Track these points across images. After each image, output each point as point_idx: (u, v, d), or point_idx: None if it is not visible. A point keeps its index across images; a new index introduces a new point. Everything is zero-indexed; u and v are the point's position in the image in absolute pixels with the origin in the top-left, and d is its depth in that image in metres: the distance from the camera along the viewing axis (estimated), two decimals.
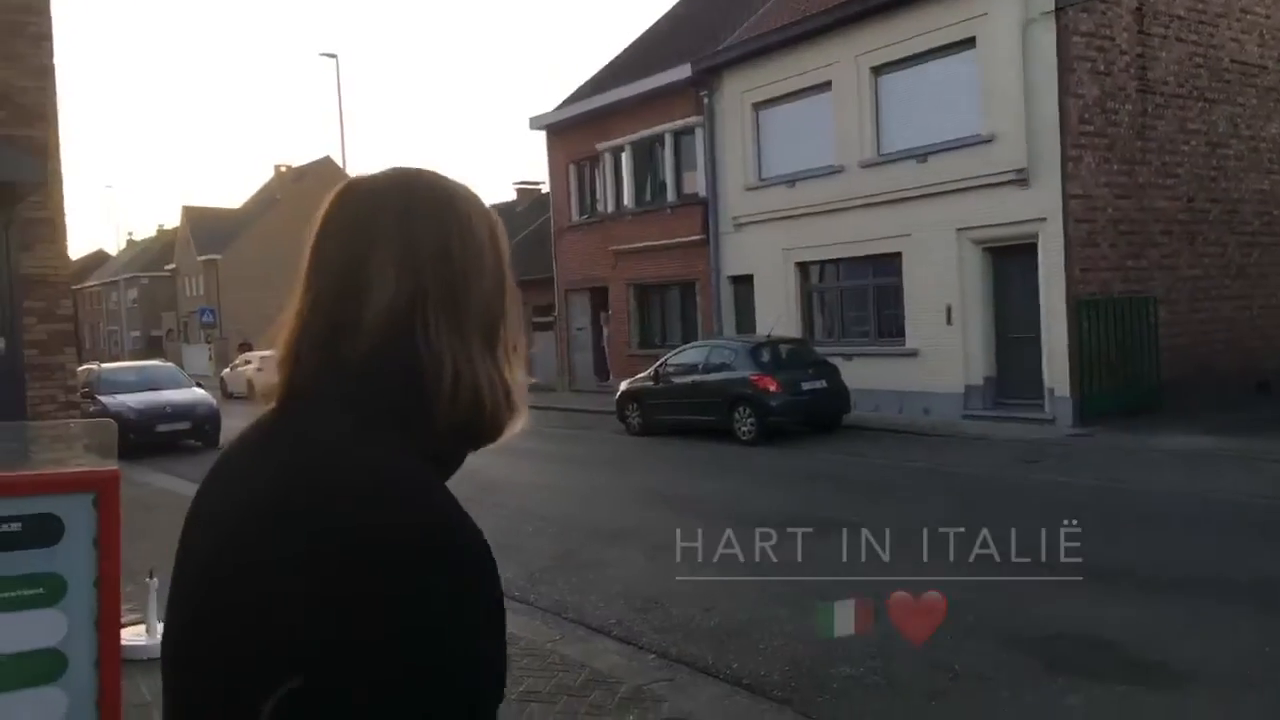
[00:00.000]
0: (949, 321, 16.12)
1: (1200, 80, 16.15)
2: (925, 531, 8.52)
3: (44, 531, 2.71)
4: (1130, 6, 15.23)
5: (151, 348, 57.59)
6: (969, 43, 15.59)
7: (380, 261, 0.99)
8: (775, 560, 7.82)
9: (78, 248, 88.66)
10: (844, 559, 7.77)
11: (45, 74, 6.95)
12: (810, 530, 8.77)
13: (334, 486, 0.90)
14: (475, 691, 0.88)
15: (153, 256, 69.10)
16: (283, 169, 59.70)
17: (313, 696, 0.84)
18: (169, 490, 11.10)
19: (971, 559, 7.49)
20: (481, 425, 1.02)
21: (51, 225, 6.36)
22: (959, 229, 15.85)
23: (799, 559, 7.83)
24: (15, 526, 2.70)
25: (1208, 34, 16.22)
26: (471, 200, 1.07)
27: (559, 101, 26.11)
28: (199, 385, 19.19)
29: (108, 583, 2.70)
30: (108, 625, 2.62)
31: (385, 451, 0.93)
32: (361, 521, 0.87)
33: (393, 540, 0.87)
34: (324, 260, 1.01)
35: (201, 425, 16.72)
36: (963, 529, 8.51)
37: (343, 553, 0.85)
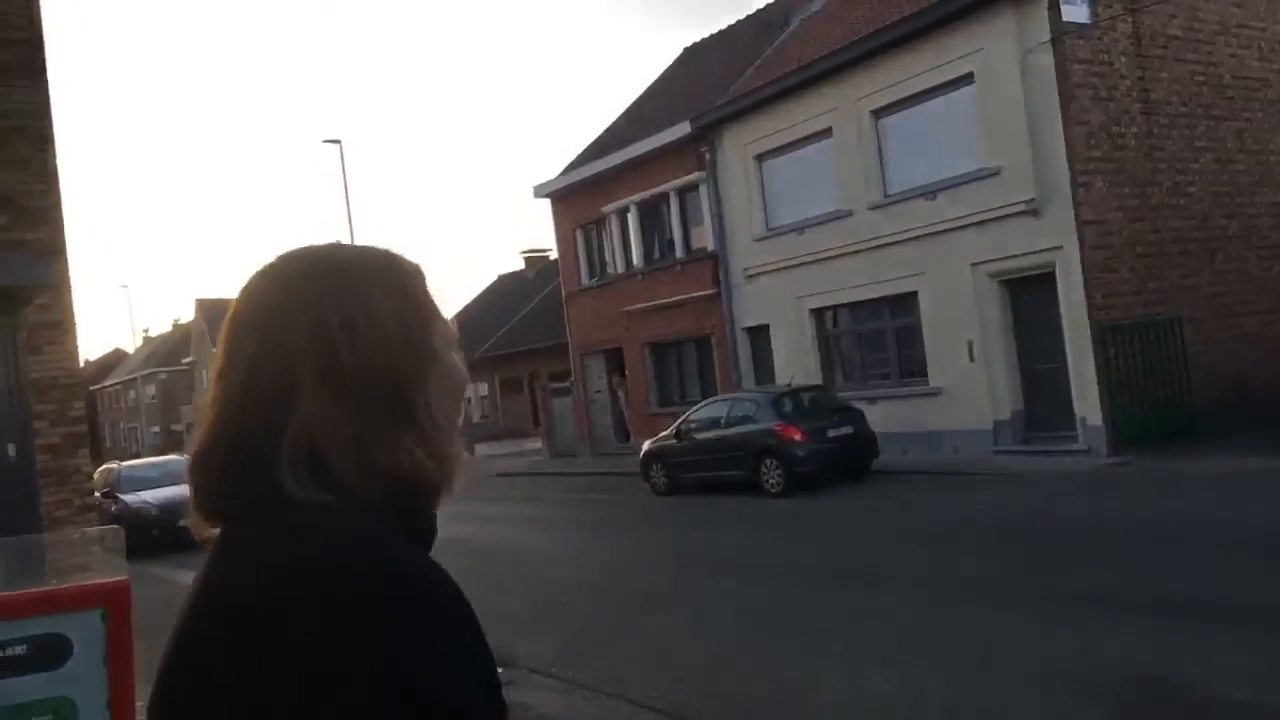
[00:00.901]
0: (971, 358, 15.89)
1: (1204, 98, 16.08)
2: (972, 577, 8.24)
3: (51, 653, 2.53)
4: (1126, 31, 15.22)
5: (171, 443, 57.73)
6: (968, 78, 15.59)
7: (258, 356, 0.98)
8: (819, 619, 7.54)
9: (95, 348, 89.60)
10: (891, 612, 7.49)
11: (49, 177, 6.92)
12: (852, 584, 8.50)
13: (285, 562, 0.89)
14: None
15: (169, 351, 69.67)
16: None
17: None
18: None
19: (1027, 603, 7.19)
20: (405, 494, 0.99)
21: (61, 328, 6.27)
22: (974, 264, 15.69)
23: (844, 615, 7.56)
24: (20, 650, 2.53)
25: (1206, 52, 16.18)
26: (372, 268, 1.03)
27: (562, 168, 26.30)
28: None
29: (120, 703, 2.52)
30: None
31: (337, 522, 0.93)
32: (323, 588, 0.86)
33: (357, 597, 0.86)
34: (223, 365, 1.01)
35: None
36: (1010, 572, 8.24)
37: (305, 620, 0.85)
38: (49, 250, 6.61)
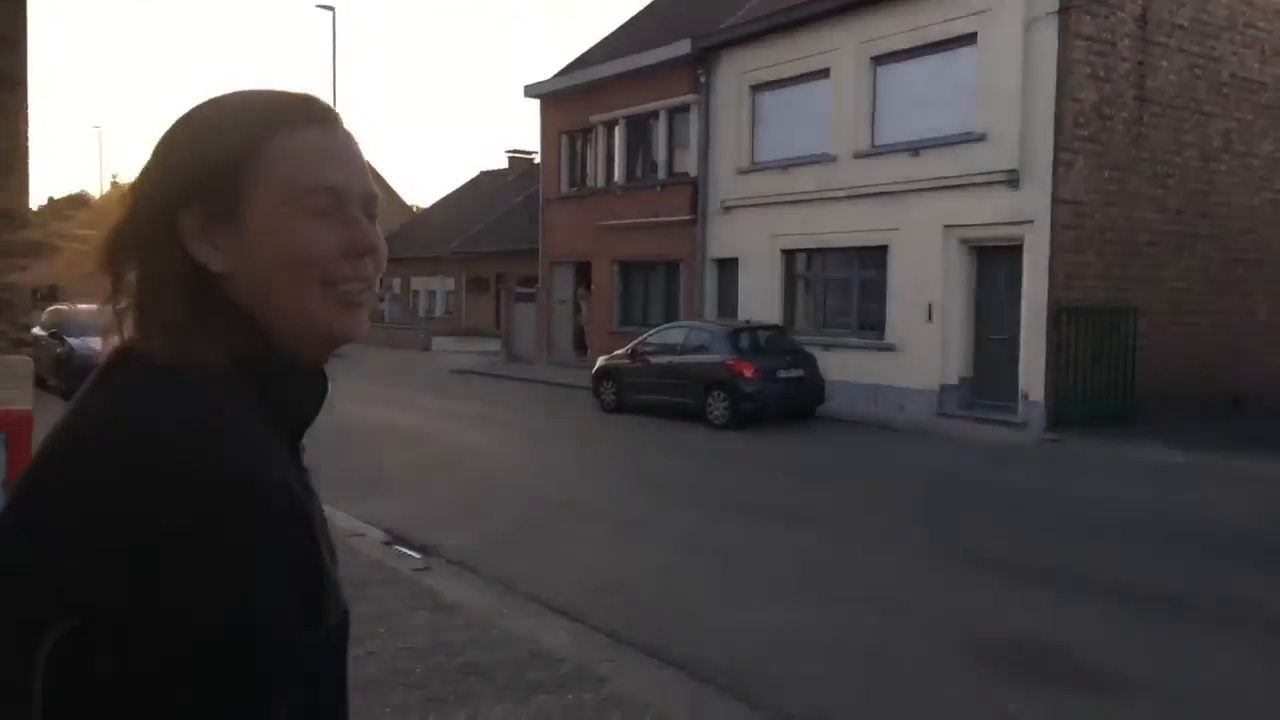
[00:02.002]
0: (929, 319, 16.06)
1: (1198, 92, 16.07)
2: (889, 528, 8.52)
3: None
4: (1134, 13, 15.11)
5: None
6: (970, 38, 15.45)
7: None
8: (736, 546, 7.77)
9: (60, 187, 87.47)
10: (806, 549, 7.74)
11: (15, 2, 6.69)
12: (774, 520, 8.74)
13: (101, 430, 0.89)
14: (243, 640, 0.82)
15: None
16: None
17: (88, 640, 0.81)
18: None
19: (930, 558, 7.47)
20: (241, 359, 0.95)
21: (13, 155, 6.14)
22: (946, 226, 15.76)
23: (760, 547, 7.79)
24: None
25: (1209, 46, 16.12)
26: (213, 108, 1.00)
27: (556, 70, 25.82)
28: None
29: None
30: None
31: (165, 390, 0.90)
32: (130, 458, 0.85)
33: (166, 481, 0.83)
34: None
35: None
36: (925, 529, 8.53)
37: (127, 497, 0.83)
38: (9, 78, 6.43)
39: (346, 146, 1.01)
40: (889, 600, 6.35)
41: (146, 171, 0.98)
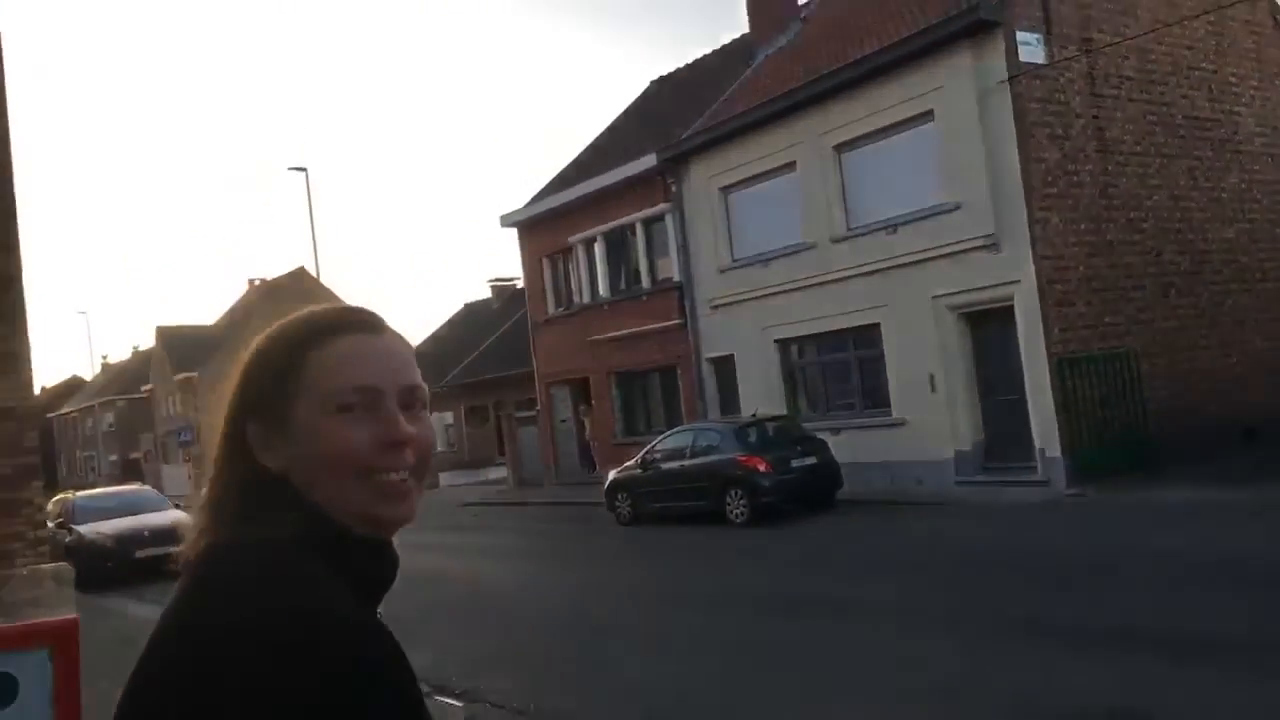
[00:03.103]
0: (933, 389, 16.07)
1: (1156, 137, 16.48)
2: (933, 607, 8.31)
3: None
4: (1081, 71, 15.60)
5: (129, 471, 56.74)
6: (927, 116, 15.89)
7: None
8: (787, 648, 7.56)
9: (52, 376, 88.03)
10: (854, 642, 7.53)
11: (6, 207, 6.85)
12: (820, 616, 8.53)
13: (226, 603, 0.97)
14: None
15: (128, 379, 68.58)
16: (256, 283, 59.81)
17: None
18: (149, 619, 10.69)
19: (990, 635, 7.26)
20: (328, 537, 1.06)
21: (15, 358, 6.18)
22: (934, 296, 15.91)
23: (812, 647, 7.58)
24: None
25: (1158, 92, 16.61)
26: (272, 334, 1.15)
27: (529, 198, 26.37)
28: (178, 506, 18.78)
29: None
30: None
31: (281, 563, 1.00)
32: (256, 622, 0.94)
33: (286, 655, 0.91)
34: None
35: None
36: (973, 603, 8.31)
37: (227, 657, 0.92)
38: (5, 280, 6.53)
39: (381, 348, 1.11)
40: (950, 682, 6.15)
41: (231, 393, 1.13)
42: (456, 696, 7.12)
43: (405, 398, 1.09)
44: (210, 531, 1.08)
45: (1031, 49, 14.88)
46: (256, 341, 1.14)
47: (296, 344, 1.10)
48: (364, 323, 1.12)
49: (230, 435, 1.11)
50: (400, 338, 1.14)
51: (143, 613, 11.70)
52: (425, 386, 1.13)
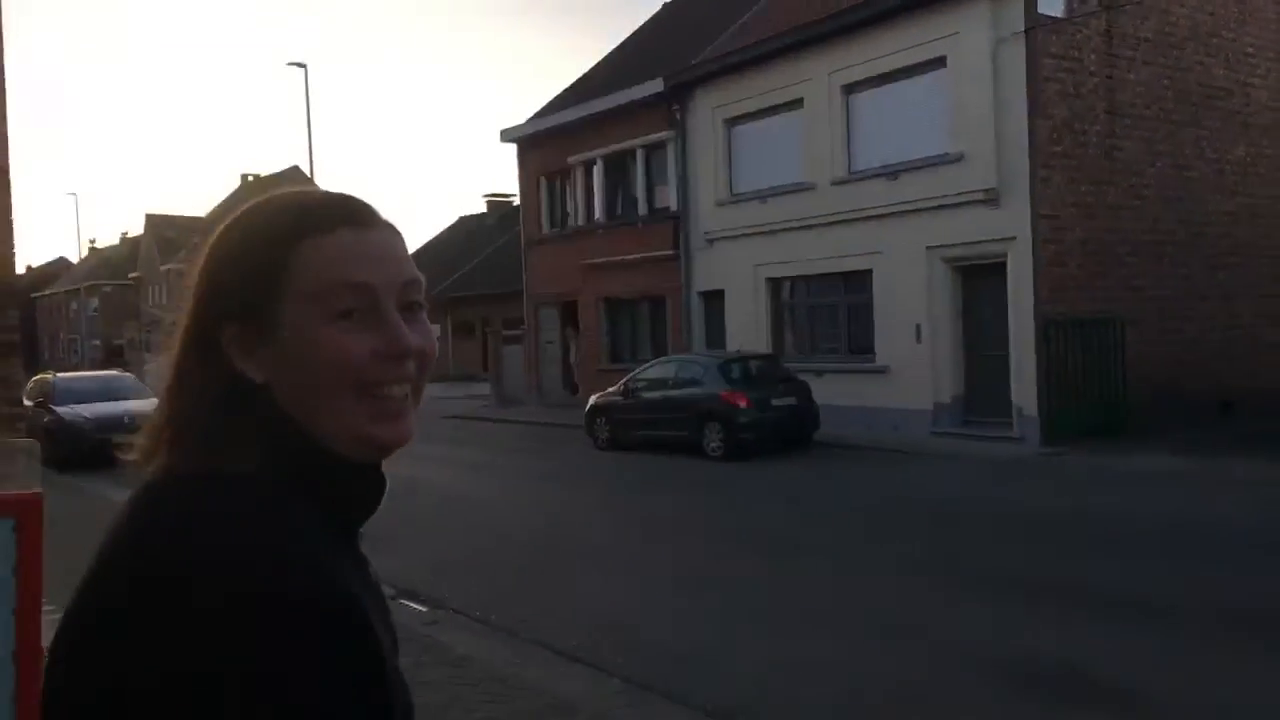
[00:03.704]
0: (918, 339, 16.13)
1: (1167, 103, 16.31)
2: (895, 552, 8.48)
3: None
4: (1099, 29, 15.35)
5: (113, 357, 56.65)
6: (940, 62, 15.66)
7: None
8: (744, 581, 7.71)
9: (39, 255, 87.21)
10: (814, 579, 7.69)
11: None
12: (780, 552, 8.68)
13: (166, 536, 0.87)
14: None
15: (116, 265, 68.12)
16: (249, 178, 59.09)
17: None
18: (123, 503, 10.79)
19: (941, 582, 7.43)
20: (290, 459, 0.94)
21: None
22: (929, 247, 15.87)
23: (768, 580, 7.74)
24: None
25: (1175, 57, 16.39)
26: (247, 218, 1.00)
27: (530, 114, 26.00)
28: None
29: (26, 614, 2.52)
30: (26, 659, 2.44)
31: (230, 495, 0.90)
32: (194, 577, 0.83)
33: (223, 598, 0.81)
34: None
35: None
36: (932, 552, 8.48)
37: (166, 611, 0.81)
38: None
39: (379, 242, 0.97)
40: (903, 627, 6.31)
41: (195, 292, 0.98)
42: (421, 601, 7.26)
43: (405, 299, 0.97)
44: (168, 454, 0.94)
45: (1051, 1, 14.61)
46: (231, 228, 0.99)
47: (282, 236, 0.95)
48: (359, 214, 0.98)
49: (199, 339, 0.96)
50: (396, 232, 1.00)
51: (118, 496, 11.78)
52: (423, 282, 1.00)
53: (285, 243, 0.94)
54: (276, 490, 0.90)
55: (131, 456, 0.98)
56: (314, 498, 0.93)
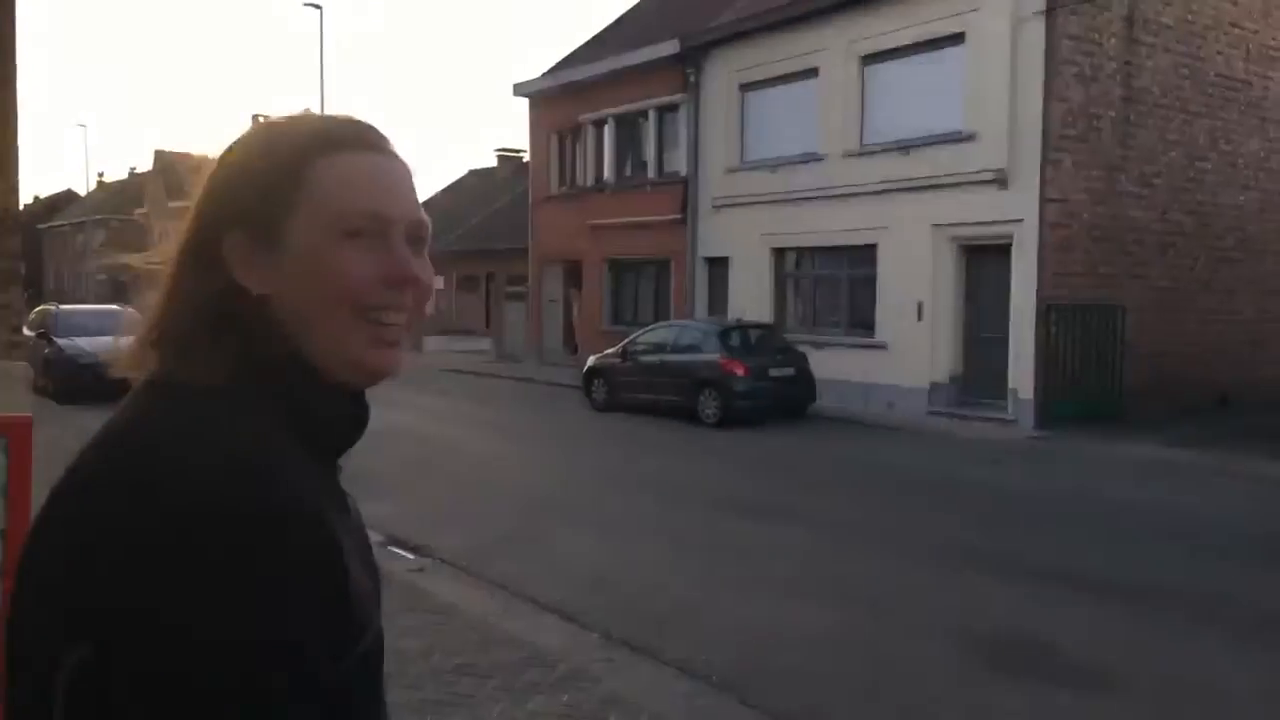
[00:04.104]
0: (920, 317, 16.13)
1: (1184, 92, 16.17)
2: (881, 526, 8.57)
3: None
4: (1121, 13, 15.19)
5: (118, 292, 56.68)
6: (958, 38, 15.52)
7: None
8: (728, 545, 7.81)
9: (46, 186, 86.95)
10: (798, 548, 7.78)
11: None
12: (766, 519, 8.77)
13: (141, 445, 0.87)
14: (271, 674, 0.80)
15: (123, 199, 67.83)
16: (260, 119, 58.43)
17: (103, 669, 0.79)
18: None
19: (923, 556, 7.52)
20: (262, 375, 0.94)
21: (5, 156, 6.11)
22: (936, 225, 15.82)
23: (752, 546, 7.83)
24: None
25: (1195, 46, 16.23)
26: (253, 142, 1.00)
27: (544, 69, 25.81)
28: None
29: (16, 533, 2.59)
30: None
31: (220, 421, 0.88)
32: (157, 481, 0.83)
33: (190, 508, 0.81)
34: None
35: None
36: (915, 527, 8.57)
37: (132, 518, 0.81)
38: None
39: (394, 173, 0.98)
40: (882, 598, 6.40)
41: (199, 197, 0.98)
42: (409, 549, 7.35)
43: (412, 233, 0.97)
44: (156, 356, 0.94)
45: None
46: (243, 140, 0.99)
47: (300, 150, 0.95)
48: (375, 142, 0.98)
49: (198, 246, 0.95)
50: (408, 167, 1.01)
51: None
52: (430, 226, 1.00)
53: (303, 156, 0.94)
54: (248, 404, 0.90)
55: (118, 366, 0.97)
56: (293, 416, 0.92)
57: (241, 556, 0.80)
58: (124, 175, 73.72)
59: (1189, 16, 16.07)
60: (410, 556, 7.14)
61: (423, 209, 1.00)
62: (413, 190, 1.00)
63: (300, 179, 0.94)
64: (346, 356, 0.95)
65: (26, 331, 16.58)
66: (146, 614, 0.78)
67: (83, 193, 78.27)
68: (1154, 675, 5.12)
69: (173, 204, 56.71)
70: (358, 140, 0.97)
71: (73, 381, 15.13)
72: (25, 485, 2.48)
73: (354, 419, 1.00)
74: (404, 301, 0.97)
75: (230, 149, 0.99)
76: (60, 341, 16.22)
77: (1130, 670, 5.18)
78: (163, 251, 0.99)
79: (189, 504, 0.81)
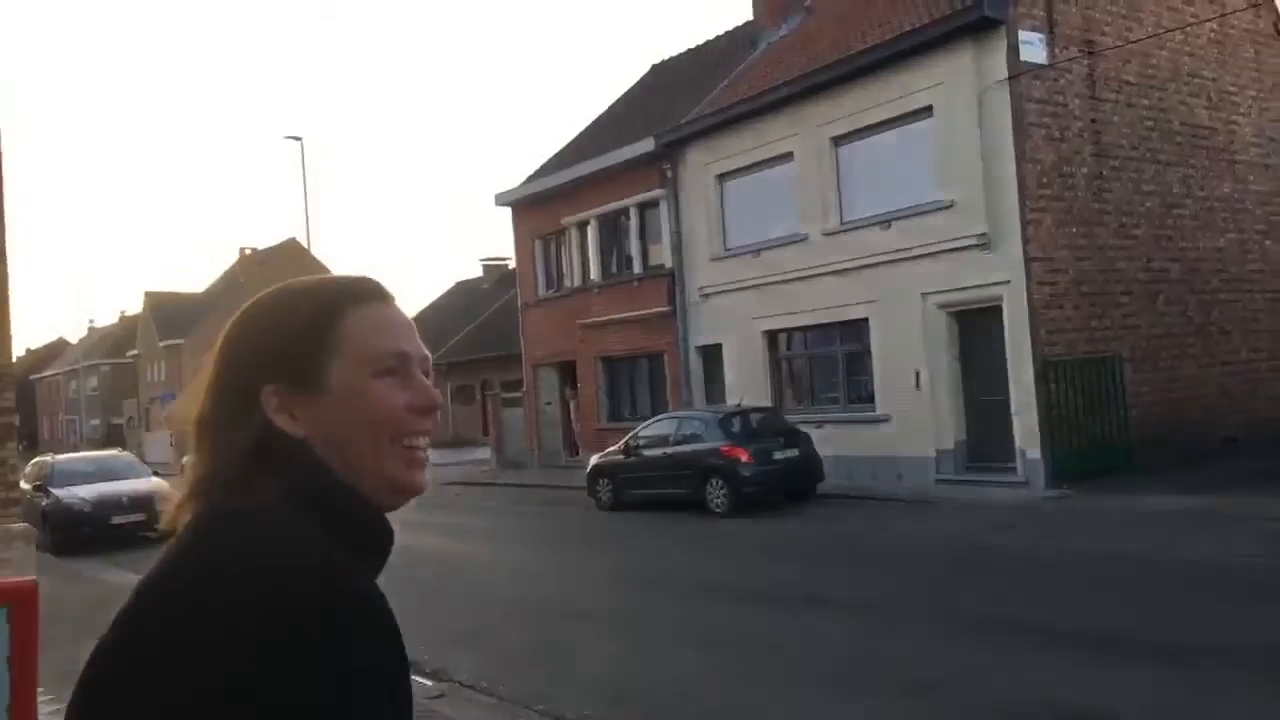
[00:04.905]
0: (918, 386, 16.08)
1: (1152, 143, 16.48)
2: (911, 605, 8.33)
3: None
4: (1081, 74, 15.57)
5: (112, 436, 56.47)
6: (926, 111, 15.84)
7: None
8: (756, 640, 7.57)
9: (38, 337, 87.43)
10: (831, 636, 7.54)
11: None
12: (791, 608, 8.54)
13: (235, 567, 0.94)
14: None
15: (114, 343, 68.21)
16: (247, 251, 59.45)
17: None
18: (123, 586, 10.62)
19: (958, 632, 7.28)
20: (327, 503, 1.03)
21: None
22: (924, 294, 15.90)
23: (781, 639, 7.59)
24: None
25: (1157, 98, 16.60)
26: (286, 297, 1.12)
27: (524, 178, 26.25)
28: (157, 474, 18.67)
29: (21, 703, 2.44)
30: None
31: (289, 530, 0.97)
32: (258, 595, 0.90)
33: (292, 615, 0.89)
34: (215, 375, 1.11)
35: (159, 516, 16.18)
36: (945, 602, 8.34)
37: (233, 627, 0.88)
38: None
39: (401, 317, 1.13)
40: (925, 682, 6.16)
41: (223, 359, 1.09)
42: (427, 675, 7.10)
43: (423, 367, 1.12)
44: (202, 500, 1.03)
45: (1033, 48, 14.83)
46: (267, 300, 1.11)
47: (331, 304, 1.08)
48: (384, 292, 1.13)
49: (238, 398, 1.06)
50: (403, 311, 1.16)
51: (117, 579, 11.64)
52: (431, 359, 1.15)
53: (334, 310, 1.07)
54: (304, 521, 0.99)
55: (168, 521, 1.06)
56: (340, 536, 0.99)
57: (371, 645, 0.92)
58: (115, 320, 74.23)
59: (1148, 70, 16.48)
60: (428, 683, 6.89)
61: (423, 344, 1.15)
62: (415, 329, 1.15)
63: (334, 329, 1.07)
64: (389, 478, 1.07)
65: (24, 485, 16.41)
66: (279, 706, 0.87)
67: (74, 341, 78.72)
68: None
69: (164, 343, 57.02)
70: (373, 293, 1.12)
71: (72, 533, 14.93)
72: (32, 653, 2.35)
73: (387, 537, 1.10)
74: (429, 426, 1.11)
75: (253, 308, 1.11)
76: (58, 492, 16.03)
77: None
78: (186, 404, 1.06)
79: (297, 602, 0.90)
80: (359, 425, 1.05)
